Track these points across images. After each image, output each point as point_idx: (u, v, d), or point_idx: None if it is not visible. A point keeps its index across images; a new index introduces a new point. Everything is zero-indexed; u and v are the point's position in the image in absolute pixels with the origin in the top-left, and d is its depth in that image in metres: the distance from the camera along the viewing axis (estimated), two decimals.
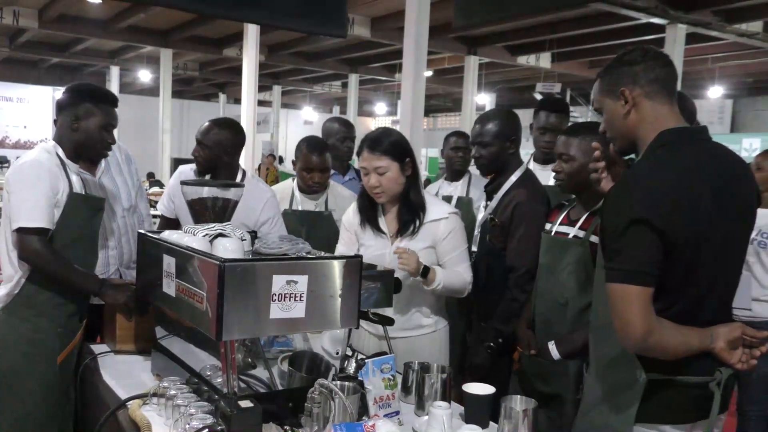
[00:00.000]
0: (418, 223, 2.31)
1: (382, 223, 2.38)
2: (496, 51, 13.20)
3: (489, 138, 2.50)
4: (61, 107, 2.29)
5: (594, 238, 2.07)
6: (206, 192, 2.23)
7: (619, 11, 9.15)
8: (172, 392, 1.69)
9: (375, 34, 11.93)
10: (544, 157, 3.02)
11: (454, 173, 3.63)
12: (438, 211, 2.35)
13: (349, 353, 1.87)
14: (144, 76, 16.80)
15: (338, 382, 1.69)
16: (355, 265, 1.72)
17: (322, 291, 1.67)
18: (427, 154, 18.71)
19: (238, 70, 11.60)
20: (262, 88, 20.89)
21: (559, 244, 2.22)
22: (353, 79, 16.54)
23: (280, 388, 1.80)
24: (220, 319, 1.51)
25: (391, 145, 2.29)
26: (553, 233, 2.26)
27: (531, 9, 6.76)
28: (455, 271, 2.35)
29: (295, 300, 1.62)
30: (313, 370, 1.83)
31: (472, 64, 13.12)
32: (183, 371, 1.88)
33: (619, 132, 1.64)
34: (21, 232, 2.10)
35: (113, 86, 17.56)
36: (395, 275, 2.00)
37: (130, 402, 1.81)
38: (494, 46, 12.93)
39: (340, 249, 2.50)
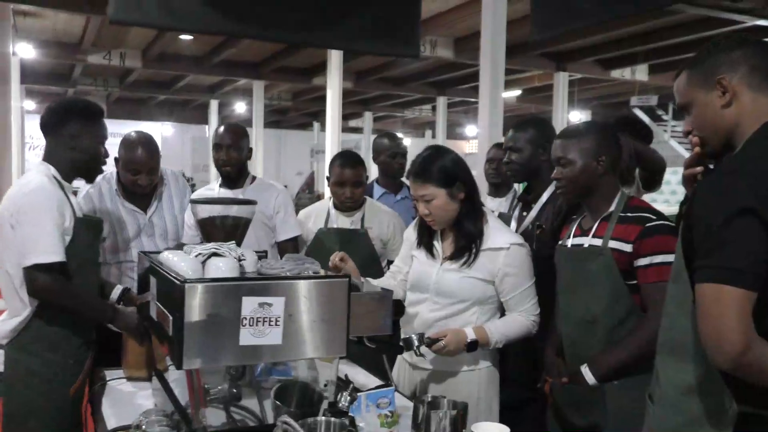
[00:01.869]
0: (474, 249, 2.13)
1: (438, 245, 2.22)
2: (587, 66, 12.64)
3: (521, 143, 2.40)
4: (49, 127, 2.20)
5: (614, 244, 1.87)
6: (215, 210, 2.14)
7: (718, 15, 8.49)
8: (143, 427, 1.57)
9: (459, 55, 11.76)
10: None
11: (492, 187, 3.44)
12: (499, 239, 2.15)
13: (344, 384, 1.68)
14: (240, 108, 17.49)
15: (323, 419, 1.51)
16: (341, 286, 1.54)
17: (303, 315, 1.50)
18: None
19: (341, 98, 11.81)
20: (353, 115, 21.34)
21: (577, 256, 2.00)
22: (441, 102, 16.42)
23: (271, 422, 1.64)
24: (180, 344, 1.38)
25: (438, 171, 2.12)
26: (569, 246, 2.04)
27: (609, 15, 6.38)
28: (515, 320, 2.15)
29: (269, 325, 1.46)
30: (305, 404, 1.66)
31: (561, 80, 12.64)
32: None
33: (713, 128, 1.41)
34: (35, 268, 2.00)
35: (213, 119, 18.45)
36: (394, 297, 1.80)
37: None
38: (584, 61, 12.39)
39: (397, 263, 2.40)
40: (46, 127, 2.22)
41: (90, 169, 2.29)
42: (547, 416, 2.09)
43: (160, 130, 20.73)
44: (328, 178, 2.95)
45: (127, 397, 2.04)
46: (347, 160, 2.90)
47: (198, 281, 1.42)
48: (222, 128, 2.89)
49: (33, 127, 18.61)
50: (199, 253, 1.79)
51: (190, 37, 10.93)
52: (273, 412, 1.62)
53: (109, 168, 2.53)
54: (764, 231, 1.20)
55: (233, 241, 1.95)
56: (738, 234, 1.21)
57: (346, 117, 20.73)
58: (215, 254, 1.80)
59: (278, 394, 1.63)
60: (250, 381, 1.75)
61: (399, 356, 2.29)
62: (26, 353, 2.10)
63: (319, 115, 22.22)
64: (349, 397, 1.61)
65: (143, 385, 2.13)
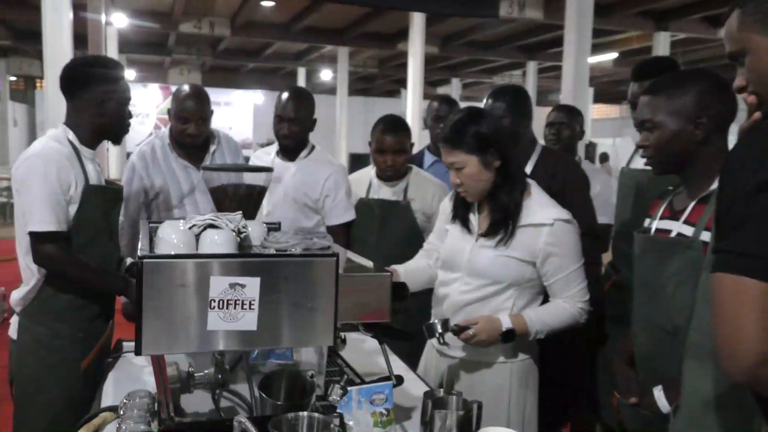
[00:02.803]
0: (510, 227, 1.89)
1: (474, 219, 1.99)
2: (691, 24, 11.64)
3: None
4: (71, 91, 2.10)
5: (708, 236, 1.44)
6: (224, 178, 2.00)
7: None
8: (121, 411, 1.46)
9: (548, 16, 11.11)
10: None
11: None
12: (541, 214, 1.88)
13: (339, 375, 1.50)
14: (326, 75, 17.50)
15: (305, 415, 1.34)
16: (328, 266, 1.35)
17: (282, 298, 1.32)
18: (614, 144, 17.20)
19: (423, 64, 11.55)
20: (440, 82, 20.90)
21: (659, 246, 1.60)
22: (531, 66, 15.75)
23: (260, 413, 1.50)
24: (138, 327, 1.24)
25: (470, 136, 1.87)
26: (653, 231, 1.64)
27: None
28: (559, 307, 1.90)
29: (242, 308, 1.30)
30: (294, 394, 1.49)
31: (661, 41, 11.72)
32: None
33: None
34: (33, 236, 1.95)
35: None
36: (401, 279, 1.59)
37: (103, 413, 1.61)
38: (689, 19, 11.41)
39: (431, 239, 2.20)
40: (67, 90, 2.13)
41: (117, 134, 2.20)
42: None
43: (252, 98, 21.19)
44: (369, 144, 2.75)
45: (135, 372, 1.95)
46: (388, 125, 2.68)
47: (157, 257, 1.27)
48: (285, 96, 2.68)
49: (132, 96, 19.55)
50: (194, 224, 1.66)
51: (272, 3, 10.93)
52: (258, 404, 1.47)
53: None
54: None
55: (240, 212, 1.80)
56: (765, 213, 0.93)
57: (433, 84, 20.36)
58: (211, 225, 1.66)
59: (265, 384, 1.47)
60: (246, 365, 1.61)
61: (428, 342, 2.09)
62: (35, 323, 2.06)
63: (407, 82, 21.99)
64: (340, 391, 1.43)
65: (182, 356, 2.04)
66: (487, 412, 1.92)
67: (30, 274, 2.03)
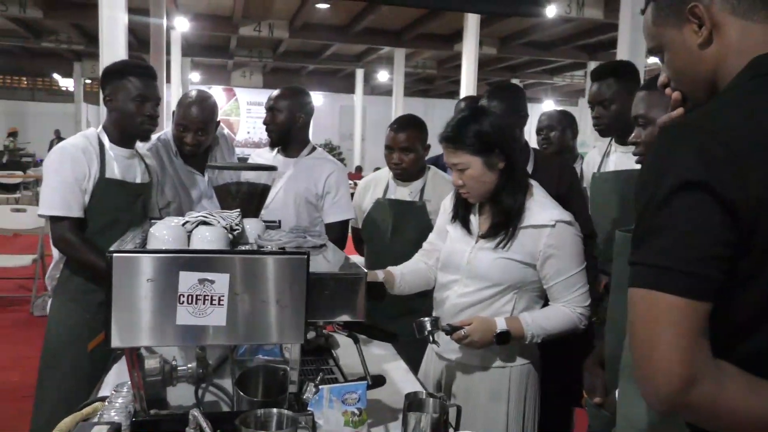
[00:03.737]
0: (511, 229, 1.86)
1: (474, 220, 1.97)
2: None
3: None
4: (101, 92, 2.30)
5: None
6: (227, 176, 2.03)
7: None
8: (106, 402, 1.51)
9: (609, 15, 10.80)
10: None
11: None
12: (542, 215, 1.84)
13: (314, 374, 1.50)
14: (383, 76, 17.55)
15: (275, 411, 1.35)
16: (299, 263, 1.35)
17: (252, 295, 1.33)
18: None
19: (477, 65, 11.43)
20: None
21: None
22: (592, 66, 15.29)
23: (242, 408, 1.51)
24: (108, 319, 1.27)
25: (473, 136, 1.84)
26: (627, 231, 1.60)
27: None
28: (558, 311, 1.86)
29: (211, 304, 1.31)
30: (272, 391, 1.50)
31: None
32: None
33: (691, 75, 1.03)
34: (49, 220, 2.14)
35: (358, 88, 18.69)
36: (397, 281, 1.58)
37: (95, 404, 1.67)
38: None
39: (431, 238, 2.17)
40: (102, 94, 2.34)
41: (136, 131, 2.29)
42: None
43: (313, 100, 21.45)
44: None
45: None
46: (399, 122, 2.66)
47: (126, 252, 1.30)
48: (274, 92, 2.76)
49: None
50: (187, 221, 1.70)
51: (327, 6, 11.04)
52: (236, 401, 1.48)
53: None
54: (719, 212, 0.83)
55: (238, 210, 1.83)
56: (679, 217, 0.84)
57: (492, 85, 20.13)
58: (204, 222, 1.69)
59: (243, 380, 1.49)
60: (231, 360, 1.64)
61: (429, 345, 2.06)
62: (59, 300, 2.24)
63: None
64: (314, 389, 1.43)
65: (171, 349, 2.10)
66: (485, 417, 1.89)
67: (56, 254, 2.23)
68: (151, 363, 1.49)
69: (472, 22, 10.54)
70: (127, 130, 2.27)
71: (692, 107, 1.06)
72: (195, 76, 18.91)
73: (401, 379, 1.91)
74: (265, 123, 2.72)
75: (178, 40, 13.57)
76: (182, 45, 14.12)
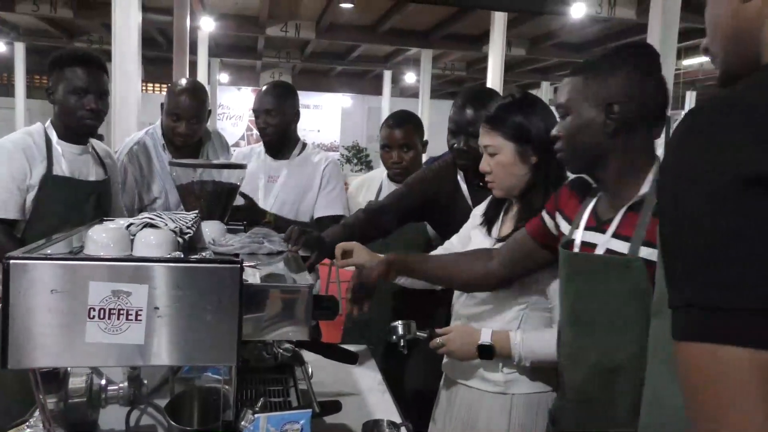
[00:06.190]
0: None
1: (498, 223, 1.79)
2: None
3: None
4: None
5: (647, 252, 1.18)
6: (191, 175, 1.88)
7: None
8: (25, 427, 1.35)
9: (642, 16, 10.45)
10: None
11: None
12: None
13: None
14: (411, 78, 17.38)
15: None
16: (232, 274, 1.17)
17: (175, 309, 1.16)
18: None
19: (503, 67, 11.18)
20: (531, 86, 20.23)
21: (590, 266, 1.32)
22: None
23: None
24: (4, 338, 1.11)
25: (512, 121, 1.68)
26: (578, 248, 1.36)
27: None
28: (555, 335, 1.65)
29: (127, 319, 1.14)
30: (208, 417, 1.33)
31: None
32: None
33: (727, 31, 0.80)
34: None
35: (386, 90, 18.53)
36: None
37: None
38: None
39: (453, 239, 1.99)
40: None
41: (72, 126, 2.16)
42: None
43: (340, 102, 21.39)
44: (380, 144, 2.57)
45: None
46: (396, 119, 2.50)
47: (25, 258, 1.14)
48: (263, 90, 2.60)
49: (226, 98, 20.20)
50: (132, 224, 1.53)
51: (351, 5, 10.91)
52: (167, 429, 1.31)
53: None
54: None
55: (195, 211, 1.67)
56: (743, 230, 0.58)
57: (521, 87, 19.76)
58: (149, 225, 1.53)
59: (175, 404, 1.32)
60: (172, 379, 1.47)
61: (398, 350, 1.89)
62: None
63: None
64: (251, 417, 1.26)
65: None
66: None
67: None
68: (75, 382, 1.33)
69: (498, 22, 10.29)
70: (69, 125, 2.14)
71: (725, 74, 0.81)
72: (224, 77, 18.96)
73: (367, 401, 1.72)
74: (260, 127, 2.55)
75: (205, 40, 13.57)
76: (210, 45, 14.12)
